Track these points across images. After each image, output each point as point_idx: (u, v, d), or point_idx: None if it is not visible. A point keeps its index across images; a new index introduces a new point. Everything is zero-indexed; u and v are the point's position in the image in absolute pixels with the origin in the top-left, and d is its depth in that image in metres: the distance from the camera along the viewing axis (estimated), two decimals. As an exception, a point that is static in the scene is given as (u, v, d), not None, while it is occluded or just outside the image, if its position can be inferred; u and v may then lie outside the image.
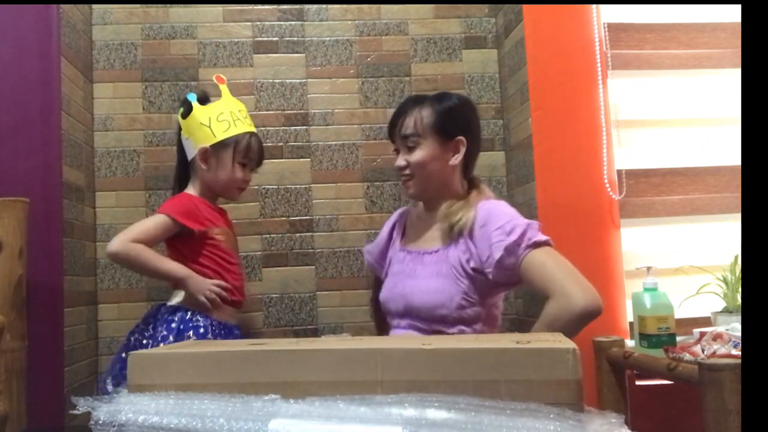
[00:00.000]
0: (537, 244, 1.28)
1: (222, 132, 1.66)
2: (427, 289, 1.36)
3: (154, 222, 1.61)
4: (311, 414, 0.73)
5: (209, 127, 1.66)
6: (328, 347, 0.85)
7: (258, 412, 0.74)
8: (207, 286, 1.60)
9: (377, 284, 1.64)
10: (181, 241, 1.65)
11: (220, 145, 1.66)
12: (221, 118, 1.66)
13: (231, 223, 1.82)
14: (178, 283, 1.63)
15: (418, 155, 1.41)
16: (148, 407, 0.77)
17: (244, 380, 0.81)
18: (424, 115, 1.42)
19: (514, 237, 1.28)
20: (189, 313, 1.61)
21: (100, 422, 0.76)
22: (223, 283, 1.63)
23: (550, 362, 0.77)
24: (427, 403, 0.72)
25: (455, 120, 1.45)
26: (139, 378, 0.85)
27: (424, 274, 1.40)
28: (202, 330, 1.58)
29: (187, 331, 1.57)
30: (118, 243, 1.56)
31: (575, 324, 1.20)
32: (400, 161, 1.45)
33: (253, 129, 1.73)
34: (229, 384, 0.81)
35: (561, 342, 0.83)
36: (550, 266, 1.26)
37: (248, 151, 1.69)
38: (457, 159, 1.45)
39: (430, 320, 1.35)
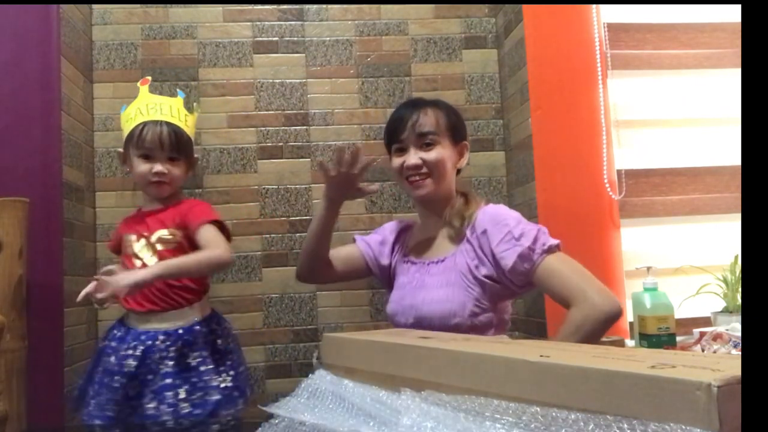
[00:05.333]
0: (551, 249, 1.26)
1: (126, 131, 1.57)
2: (438, 299, 1.33)
3: None
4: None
5: (123, 131, 1.61)
6: (443, 347, 0.78)
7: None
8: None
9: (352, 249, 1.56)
10: None
11: (125, 144, 1.57)
12: (127, 117, 1.58)
13: (161, 221, 1.57)
14: None
15: (437, 153, 1.37)
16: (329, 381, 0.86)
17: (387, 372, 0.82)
18: (440, 115, 1.40)
19: (526, 243, 1.25)
20: (114, 327, 1.57)
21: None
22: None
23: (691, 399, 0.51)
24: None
25: (463, 124, 1.46)
26: (326, 357, 0.96)
27: (432, 284, 1.36)
28: (108, 341, 1.53)
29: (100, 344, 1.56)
30: None
31: (600, 329, 1.19)
32: (415, 159, 1.38)
33: (157, 118, 1.54)
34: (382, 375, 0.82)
35: (722, 370, 0.53)
36: (567, 272, 1.24)
37: (140, 141, 1.51)
38: (462, 163, 1.45)
39: (442, 330, 1.32)
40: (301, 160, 2.22)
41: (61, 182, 1.83)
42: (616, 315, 1.20)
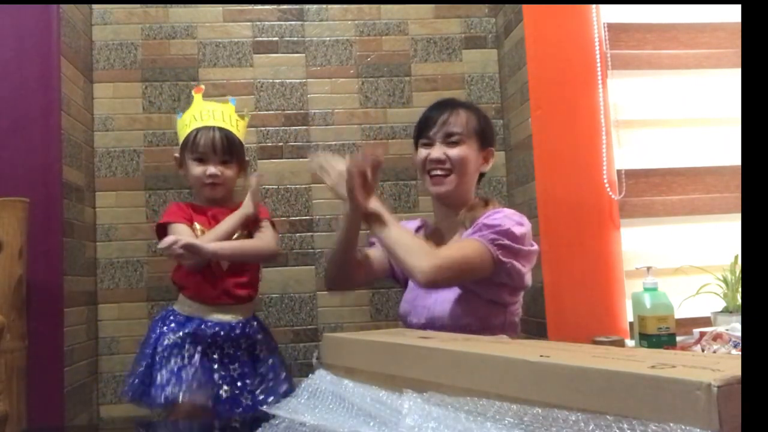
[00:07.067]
0: (487, 238, 1.27)
1: (182, 137, 1.68)
2: (449, 299, 1.36)
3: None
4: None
5: (178, 137, 1.71)
6: (443, 347, 0.77)
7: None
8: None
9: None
10: None
11: (181, 149, 1.68)
12: (183, 124, 1.69)
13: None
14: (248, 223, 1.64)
15: (461, 151, 1.40)
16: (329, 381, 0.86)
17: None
18: (471, 117, 1.43)
19: (486, 228, 1.30)
20: (170, 314, 1.63)
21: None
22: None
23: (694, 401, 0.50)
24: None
25: (492, 131, 1.48)
26: (326, 357, 0.97)
27: None
28: (171, 327, 1.59)
29: (156, 331, 1.61)
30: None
31: (402, 259, 1.25)
32: (438, 153, 1.40)
33: (210, 123, 1.64)
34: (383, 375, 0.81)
35: (722, 370, 0.53)
36: (460, 247, 1.30)
37: (195, 146, 1.63)
38: (486, 167, 1.47)
39: (453, 330, 1.31)
40: (301, 160, 2.22)
41: (61, 182, 1.83)
42: (421, 280, 1.24)
